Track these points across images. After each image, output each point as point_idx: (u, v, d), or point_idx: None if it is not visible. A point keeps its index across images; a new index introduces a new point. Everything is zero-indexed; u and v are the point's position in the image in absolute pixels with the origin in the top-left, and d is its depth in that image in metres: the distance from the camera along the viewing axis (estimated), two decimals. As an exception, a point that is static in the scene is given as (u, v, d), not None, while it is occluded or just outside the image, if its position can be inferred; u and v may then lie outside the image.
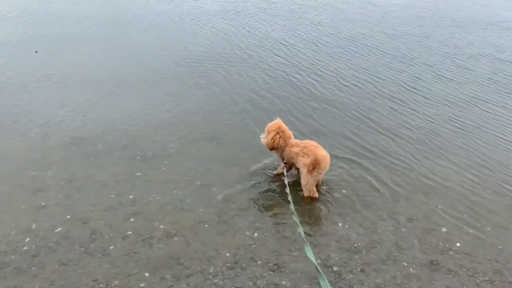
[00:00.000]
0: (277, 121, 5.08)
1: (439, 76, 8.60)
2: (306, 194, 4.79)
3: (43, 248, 3.95)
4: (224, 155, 5.62)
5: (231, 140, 5.98)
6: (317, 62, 9.15)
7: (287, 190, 4.56)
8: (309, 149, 4.72)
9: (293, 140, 5.00)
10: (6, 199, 4.62)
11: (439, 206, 4.77)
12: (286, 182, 4.73)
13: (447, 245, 4.22)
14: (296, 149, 4.84)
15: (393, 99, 7.50)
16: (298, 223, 3.93)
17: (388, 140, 6.15)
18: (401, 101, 7.44)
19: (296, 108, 7.00)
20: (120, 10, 12.85)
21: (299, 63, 9.07)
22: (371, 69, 8.87)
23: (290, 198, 4.42)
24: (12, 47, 9.65)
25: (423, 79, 8.43)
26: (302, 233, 3.75)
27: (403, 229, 4.43)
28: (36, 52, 9.26)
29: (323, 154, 4.67)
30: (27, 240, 4.03)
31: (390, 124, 6.63)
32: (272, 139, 4.91)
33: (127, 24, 11.49)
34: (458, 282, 3.79)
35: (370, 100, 7.43)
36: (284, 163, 5.04)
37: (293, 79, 8.20)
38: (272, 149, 5.01)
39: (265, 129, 5.09)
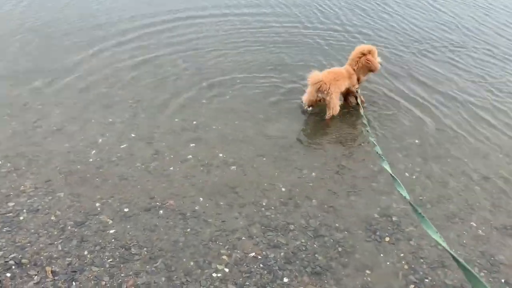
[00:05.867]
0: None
1: None
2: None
3: (107, 162, 4.09)
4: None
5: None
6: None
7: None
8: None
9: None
10: (77, 111, 4.80)
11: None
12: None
13: (526, 210, 3.82)
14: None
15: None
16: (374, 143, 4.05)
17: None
18: None
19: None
20: None
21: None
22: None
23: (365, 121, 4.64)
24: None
25: None
26: (379, 150, 3.82)
27: (476, 187, 4.06)
28: None
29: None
30: (93, 152, 4.19)
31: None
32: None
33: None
34: (533, 251, 3.43)
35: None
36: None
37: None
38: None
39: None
